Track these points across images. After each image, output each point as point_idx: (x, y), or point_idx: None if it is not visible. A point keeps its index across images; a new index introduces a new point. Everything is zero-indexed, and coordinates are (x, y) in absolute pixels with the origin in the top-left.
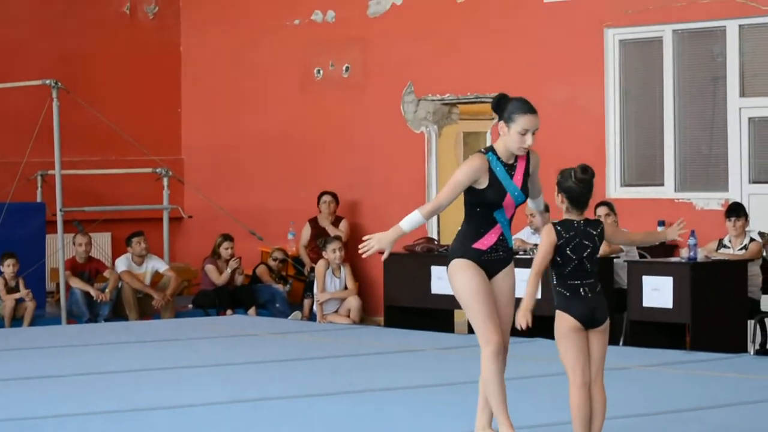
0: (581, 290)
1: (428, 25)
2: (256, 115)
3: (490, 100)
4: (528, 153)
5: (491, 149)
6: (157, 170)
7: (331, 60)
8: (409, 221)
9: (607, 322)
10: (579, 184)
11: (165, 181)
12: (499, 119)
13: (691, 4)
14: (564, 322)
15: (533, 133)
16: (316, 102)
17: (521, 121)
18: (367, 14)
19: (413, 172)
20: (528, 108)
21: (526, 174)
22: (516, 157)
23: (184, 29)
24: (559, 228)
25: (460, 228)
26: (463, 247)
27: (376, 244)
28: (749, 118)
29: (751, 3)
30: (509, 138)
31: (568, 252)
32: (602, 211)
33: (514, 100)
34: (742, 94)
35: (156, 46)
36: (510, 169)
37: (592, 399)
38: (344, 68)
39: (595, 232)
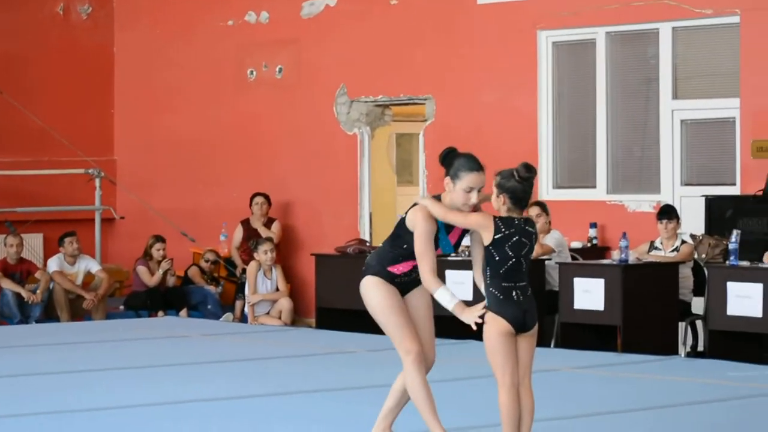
0: (514, 293)
1: (362, 27)
2: (189, 116)
3: (424, 101)
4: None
5: (438, 200)
6: (90, 171)
7: (264, 61)
8: (447, 295)
9: (536, 327)
10: (523, 182)
11: (97, 181)
12: (446, 174)
13: (624, 7)
14: (495, 325)
15: (478, 191)
16: (250, 103)
17: (467, 179)
18: (300, 15)
19: (346, 174)
20: (474, 166)
21: (464, 233)
22: None
23: (118, 30)
24: (499, 222)
25: (381, 245)
26: (378, 266)
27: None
28: (681, 121)
29: (684, 5)
30: (455, 194)
31: (507, 249)
32: (534, 211)
33: (461, 156)
34: (675, 96)
35: (89, 47)
36: (449, 225)
37: (520, 401)
38: (277, 69)
39: (533, 231)
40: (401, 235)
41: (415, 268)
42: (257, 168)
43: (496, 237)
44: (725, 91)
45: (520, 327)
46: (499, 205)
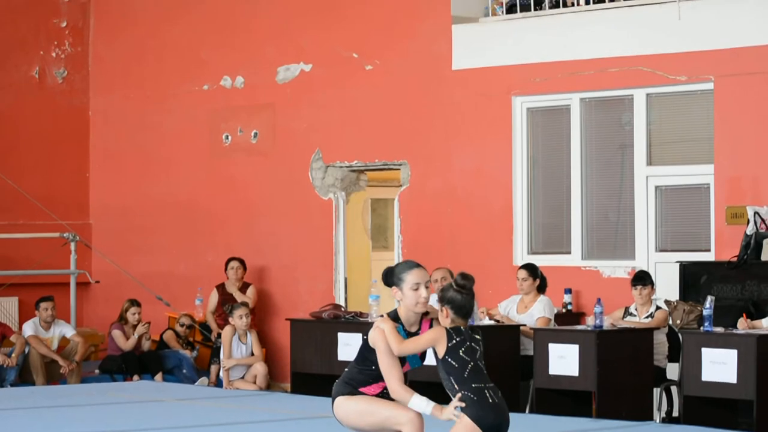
0: (487, 393)
1: (337, 92)
2: (165, 180)
3: (399, 166)
4: (431, 320)
5: (396, 317)
6: (65, 234)
7: (240, 125)
8: (422, 402)
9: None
10: (462, 291)
11: (72, 245)
12: (392, 287)
13: (599, 73)
14: (467, 428)
15: (426, 286)
16: (225, 167)
17: (410, 277)
18: (276, 80)
19: (321, 239)
20: (413, 264)
21: None
22: (420, 324)
23: (93, 93)
24: (450, 331)
25: (348, 368)
26: (349, 388)
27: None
28: (656, 187)
29: (658, 72)
30: (406, 298)
31: (462, 354)
32: (521, 274)
33: (397, 265)
34: (649, 162)
35: (65, 110)
36: (412, 336)
37: None
38: (252, 134)
39: (479, 338)
40: (367, 356)
41: (385, 390)
42: (232, 232)
43: (450, 345)
44: (699, 158)
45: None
46: (443, 318)
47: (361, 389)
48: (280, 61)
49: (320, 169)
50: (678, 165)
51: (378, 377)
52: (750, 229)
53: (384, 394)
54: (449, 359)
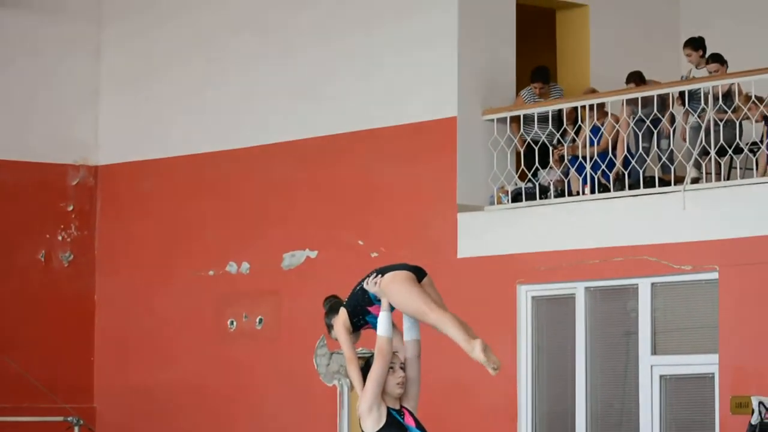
0: None
1: (342, 279)
2: (170, 365)
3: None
4: None
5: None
6: (69, 418)
7: (245, 311)
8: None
9: None
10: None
11: (76, 429)
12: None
13: (604, 263)
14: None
15: (401, 367)
16: (230, 353)
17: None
18: (281, 266)
19: (325, 425)
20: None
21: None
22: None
23: (99, 277)
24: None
25: None
26: None
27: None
28: (661, 376)
29: (663, 261)
30: (387, 386)
31: None
32: None
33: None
34: (654, 351)
35: (70, 294)
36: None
37: None
38: (258, 320)
39: None
40: None
41: None
42: (238, 417)
43: None
44: (704, 347)
45: None
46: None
47: None
48: (286, 247)
49: (325, 355)
50: (683, 354)
51: None
52: (755, 419)
53: None
54: None
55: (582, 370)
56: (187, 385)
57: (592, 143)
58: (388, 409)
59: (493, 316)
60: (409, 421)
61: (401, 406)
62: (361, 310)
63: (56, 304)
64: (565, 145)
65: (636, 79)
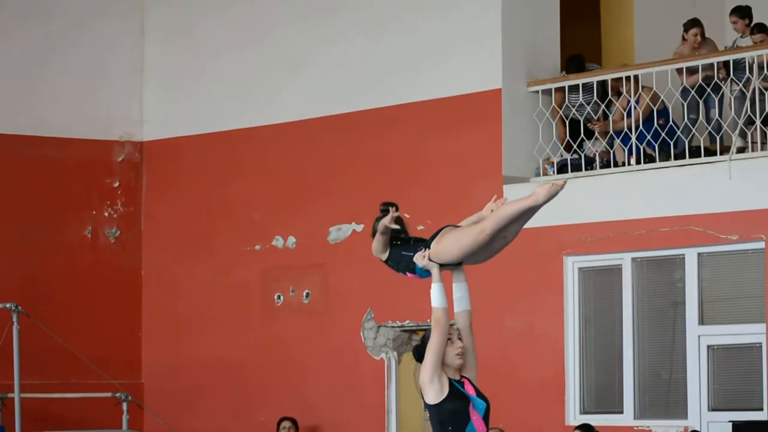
0: None
1: None
2: (217, 340)
3: (450, 326)
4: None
5: None
6: (117, 394)
7: (291, 285)
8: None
9: None
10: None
11: (124, 405)
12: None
13: (651, 233)
14: None
15: (459, 337)
16: (277, 327)
17: None
18: (327, 240)
19: (373, 399)
20: None
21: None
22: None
23: (145, 253)
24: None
25: None
26: None
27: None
28: (708, 346)
29: (709, 231)
30: (446, 357)
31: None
32: None
33: (423, 336)
34: (701, 321)
35: (117, 270)
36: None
37: None
38: (304, 294)
39: None
40: (436, 417)
41: None
42: (284, 392)
43: None
44: (751, 317)
45: None
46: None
47: None
48: (332, 221)
49: (372, 329)
50: (730, 324)
51: None
52: None
53: None
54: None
55: (629, 341)
56: (234, 359)
57: (629, 116)
58: (450, 380)
59: (539, 288)
60: (470, 391)
61: (461, 377)
62: (402, 265)
63: (103, 280)
64: (610, 116)
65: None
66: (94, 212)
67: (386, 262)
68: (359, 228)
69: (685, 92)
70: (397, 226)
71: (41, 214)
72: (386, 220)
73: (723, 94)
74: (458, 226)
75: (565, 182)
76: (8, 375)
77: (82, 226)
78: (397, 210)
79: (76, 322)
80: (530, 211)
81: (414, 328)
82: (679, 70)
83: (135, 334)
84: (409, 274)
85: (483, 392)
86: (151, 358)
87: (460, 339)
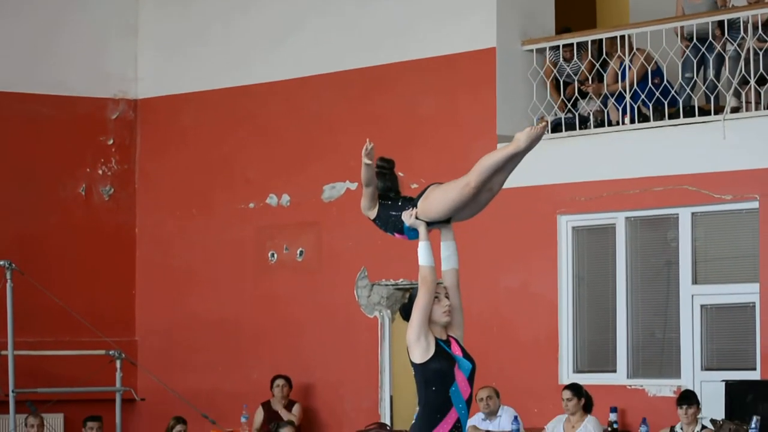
0: None
1: None
2: (211, 297)
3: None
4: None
5: None
6: (110, 352)
7: (286, 243)
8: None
9: None
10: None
11: (118, 363)
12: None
13: (644, 192)
14: None
15: (446, 296)
16: (270, 285)
17: None
18: (321, 198)
19: (367, 357)
20: None
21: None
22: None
23: (139, 211)
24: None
25: (415, 419)
26: None
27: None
28: (701, 306)
29: (703, 191)
30: (433, 315)
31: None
32: (566, 395)
33: (410, 295)
34: (695, 281)
35: (111, 228)
36: (446, 344)
37: None
38: (298, 252)
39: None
40: (421, 376)
41: (455, 430)
42: (278, 350)
43: None
44: (745, 276)
45: None
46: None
47: None
48: (326, 179)
49: (366, 287)
50: (723, 284)
51: (444, 405)
52: None
53: (455, 428)
54: None
55: (623, 300)
56: (228, 317)
57: (623, 78)
58: (436, 339)
59: (533, 247)
60: (456, 351)
61: (448, 336)
62: (390, 225)
63: (97, 238)
64: (604, 76)
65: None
66: (88, 170)
67: (375, 221)
68: (353, 186)
69: (695, 50)
70: (371, 162)
71: (35, 171)
72: (363, 152)
73: (718, 53)
74: (443, 183)
75: (546, 124)
76: (2, 332)
77: (77, 184)
78: (391, 164)
79: (70, 279)
80: (514, 159)
81: (408, 286)
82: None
83: (129, 292)
84: (397, 235)
85: (470, 353)
86: (144, 316)
87: (447, 297)
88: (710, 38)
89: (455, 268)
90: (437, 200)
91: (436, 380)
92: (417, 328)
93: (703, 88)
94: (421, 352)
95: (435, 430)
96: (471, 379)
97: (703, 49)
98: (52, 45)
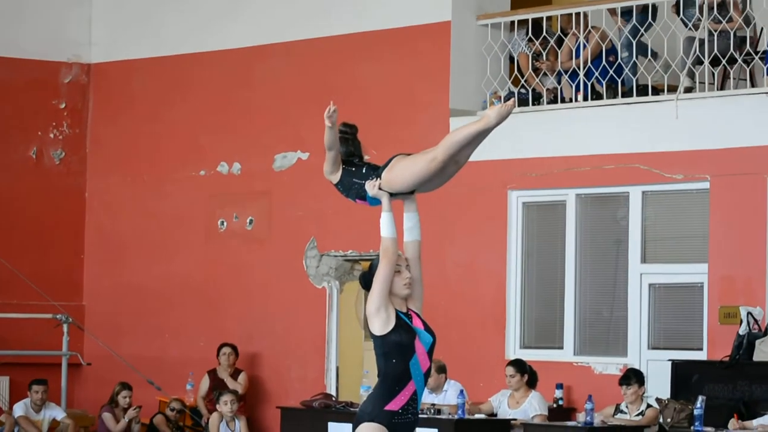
0: None
1: None
2: (159, 264)
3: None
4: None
5: None
6: (58, 316)
7: (236, 212)
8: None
9: None
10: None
11: (65, 327)
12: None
13: (595, 170)
14: None
15: (406, 267)
16: (220, 253)
17: None
18: (272, 168)
19: (314, 327)
20: None
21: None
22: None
23: (90, 175)
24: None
25: (372, 389)
26: (374, 408)
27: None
28: (650, 284)
29: (654, 170)
30: (393, 287)
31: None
32: (509, 371)
33: (371, 264)
34: (644, 260)
35: (61, 192)
36: (407, 317)
37: None
38: (248, 220)
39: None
40: (380, 348)
41: (411, 402)
42: (225, 318)
43: None
44: (694, 256)
45: None
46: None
47: (387, 407)
48: (278, 148)
49: (315, 257)
50: (672, 263)
51: (402, 376)
52: (743, 330)
53: (409, 410)
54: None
55: (571, 277)
56: (176, 284)
57: (578, 56)
58: (397, 312)
59: (483, 222)
60: (417, 324)
61: (408, 309)
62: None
63: (47, 201)
64: (559, 52)
65: None
66: (39, 133)
67: (336, 185)
68: (304, 156)
69: (634, 30)
70: (332, 125)
71: None
72: (325, 114)
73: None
74: (409, 155)
75: (515, 102)
76: None
77: (27, 147)
78: (354, 130)
79: (18, 242)
80: (482, 134)
81: (357, 258)
82: (612, 11)
83: (77, 256)
84: (359, 201)
85: (431, 326)
86: (92, 281)
87: (408, 269)
88: (665, 18)
89: (418, 239)
90: (402, 172)
91: (396, 352)
92: (377, 300)
93: (657, 67)
94: (381, 324)
95: (392, 401)
96: (431, 352)
97: (657, 28)
98: (6, 7)
